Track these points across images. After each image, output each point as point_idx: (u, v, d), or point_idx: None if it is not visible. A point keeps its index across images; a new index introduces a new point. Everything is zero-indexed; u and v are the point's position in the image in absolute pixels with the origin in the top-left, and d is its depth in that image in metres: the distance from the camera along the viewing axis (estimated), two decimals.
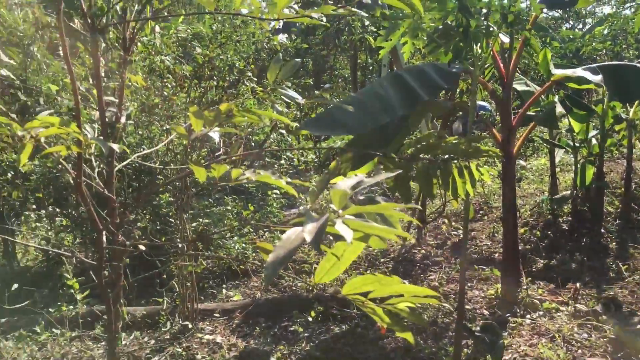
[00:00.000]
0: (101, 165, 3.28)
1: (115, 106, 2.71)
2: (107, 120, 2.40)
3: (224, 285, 5.42)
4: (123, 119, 2.49)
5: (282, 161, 10.37)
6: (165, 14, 3.51)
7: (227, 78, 4.03)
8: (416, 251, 6.21)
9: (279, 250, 1.42)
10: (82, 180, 2.02)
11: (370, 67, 14.44)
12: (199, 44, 5.16)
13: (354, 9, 1.90)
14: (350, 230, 1.34)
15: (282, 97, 2.98)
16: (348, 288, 1.66)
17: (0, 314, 4.92)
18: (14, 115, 2.13)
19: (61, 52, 7.70)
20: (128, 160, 2.53)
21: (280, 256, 1.40)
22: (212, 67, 3.98)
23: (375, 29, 9.93)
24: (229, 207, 5.52)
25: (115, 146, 1.80)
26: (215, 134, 2.16)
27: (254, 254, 6.04)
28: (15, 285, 4.72)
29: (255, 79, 4.17)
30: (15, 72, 6.00)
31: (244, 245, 6.10)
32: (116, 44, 4.10)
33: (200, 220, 5.34)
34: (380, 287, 1.60)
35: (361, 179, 1.81)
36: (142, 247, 2.21)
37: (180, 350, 3.99)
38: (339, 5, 1.94)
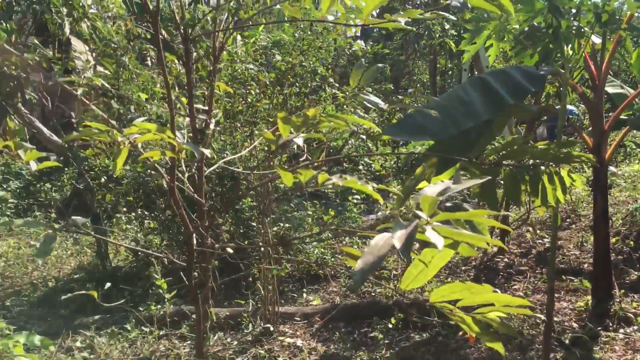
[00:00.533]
0: (192, 170, 3.40)
1: (203, 113, 2.81)
2: (196, 126, 2.49)
3: (304, 290, 5.47)
4: (212, 126, 2.58)
5: (360, 167, 10.38)
6: (250, 23, 3.61)
7: (310, 84, 4.09)
8: (499, 259, 6.02)
9: (367, 256, 1.42)
10: (175, 184, 2.11)
11: (450, 72, 14.23)
12: (279, 52, 5.27)
13: (442, 13, 1.88)
14: (441, 237, 1.32)
15: (364, 102, 2.98)
16: (436, 296, 1.63)
17: (94, 311, 5.21)
18: (113, 122, 2.25)
19: (149, 62, 8.01)
20: (216, 165, 2.61)
21: (369, 262, 1.40)
22: (294, 74, 4.06)
23: (455, 33, 9.76)
24: (310, 212, 5.57)
25: (207, 151, 1.86)
26: (299, 140, 2.20)
27: (332, 259, 6.07)
28: (109, 284, 4.98)
29: (337, 85, 4.21)
30: (109, 81, 6.34)
31: (322, 250, 6.14)
32: (202, 53, 4.25)
33: (281, 224, 5.43)
34: (470, 296, 1.56)
35: (447, 185, 1.78)
36: (230, 250, 2.27)
37: (262, 352, 4.07)
38: (427, 9, 1.92)
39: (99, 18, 5.91)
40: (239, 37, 9.22)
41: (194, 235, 2.27)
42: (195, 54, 2.99)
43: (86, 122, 5.92)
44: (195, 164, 2.51)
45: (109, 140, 1.92)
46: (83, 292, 3.00)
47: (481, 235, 1.49)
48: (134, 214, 6.49)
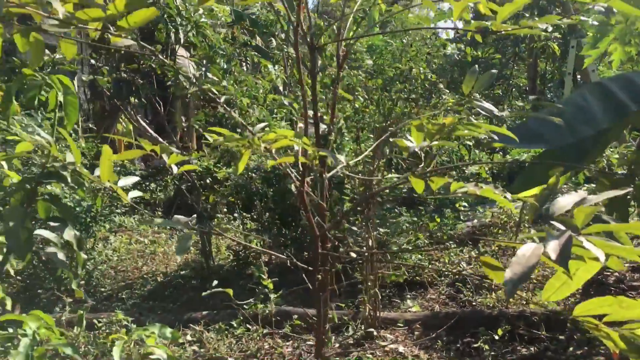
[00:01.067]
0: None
1: (317, 119, 2.88)
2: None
3: (408, 295, 5.43)
4: (333, 133, 2.64)
5: (453, 172, 10.19)
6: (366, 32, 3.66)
7: (419, 90, 4.08)
8: (608, 273, 5.73)
9: (515, 266, 1.41)
10: (304, 189, 2.18)
11: (548, 76, 13.65)
12: (370, 56, 5.28)
13: (583, 17, 1.83)
14: (600, 249, 1.29)
15: (477, 109, 2.93)
16: (580, 309, 1.59)
17: (200, 306, 5.44)
18: (251, 129, 2.33)
19: (244, 67, 8.17)
20: (335, 170, 2.66)
21: (518, 272, 1.39)
22: (404, 79, 4.06)
23: (559, 35, 9.38)
24: (414, 219, 5.56)
25: (342, 158, 1.91)
26: (415, 146, 2.21)
27: (429, 265, 6.00)
28: (216, 282, 5.18)
29: (447, 91, 4.18)
30: (215, 87, 6.60)
31: (420, 256, 6.09)
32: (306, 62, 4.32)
33: (380, 229, 5.44)
34: (620, 310, 1.51)
35: (583, 196, 1.73)
36: (353, 255, 2.31)
37: (370, 356, 4.10)
38: (566, 15, 1.88)
39: (208, 26, 6.17)
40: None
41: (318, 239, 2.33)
42: (320, 62, 3.06)
43: (195, 126, 6.15)
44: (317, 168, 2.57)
45: (247, 145, 2.01)
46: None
47: (634, 248, 1.43)
48: (235, 214, 6.71)
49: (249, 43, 6.79)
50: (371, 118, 4.12)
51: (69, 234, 2.36)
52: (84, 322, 3.53)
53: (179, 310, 5.43)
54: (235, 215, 7.00)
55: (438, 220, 5.96)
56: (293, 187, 3.15)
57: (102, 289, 6.07)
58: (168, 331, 2.53)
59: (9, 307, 2.71)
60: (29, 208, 2.30)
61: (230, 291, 2.59)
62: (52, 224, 2.36)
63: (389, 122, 4.13)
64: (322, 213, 2.48)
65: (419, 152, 2.38)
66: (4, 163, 2.72)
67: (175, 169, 2.23)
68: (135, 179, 2.49)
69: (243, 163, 2.38)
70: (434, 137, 1.92)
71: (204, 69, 6.09)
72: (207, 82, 6.46)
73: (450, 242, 6.13)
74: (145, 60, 6.18)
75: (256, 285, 5.07)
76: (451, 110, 3.83)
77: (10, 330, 2.67)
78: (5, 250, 2.42)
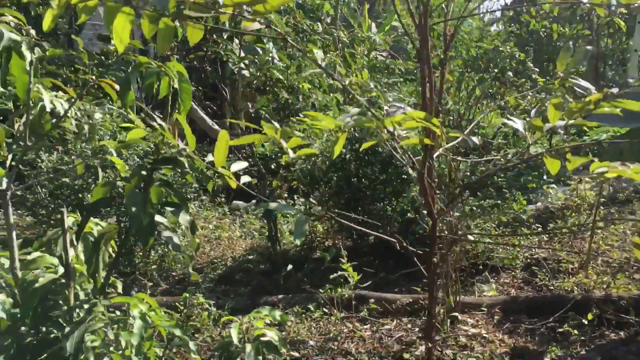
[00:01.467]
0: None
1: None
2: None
3: (492, 280, 5.36)
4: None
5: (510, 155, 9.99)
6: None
7: (508, 69, 3.97)
8: None
9: None
10: (425, 171, 2.15)
11: (608, 52, 13.15)
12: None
13: None
14: None
15: (574, 87, 2.85)
16: None
17: (270, 290, 5.51)
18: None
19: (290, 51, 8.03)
20: (443, 149, 2.62)
21: None
22: (488, 59, 3.96)
23: (624, 11, 9.01)
24: (499, 202, 5.48)
25: (475, 139, 1.88)
26: (520, 126, 2.15)
27: (499, 250, 5.90)
28: (290, 266, 5.22)
29: (537, 70, 4.06)
30: (283, 73, 6.60)
31: (488, 240, 5.99)
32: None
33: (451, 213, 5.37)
34: None
35: None
36: (470, 237, 2.28)
37: (453, 339, 4.07)
38: None
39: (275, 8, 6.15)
40: (373, 26, 9.19)
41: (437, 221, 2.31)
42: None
43: (262, 112, 6.12)
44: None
45: (374, 126, 1.99)
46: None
47: None
48: (302, 199, 6.73)
49: (311, 29, 6.75)
50: (452, 99, 4.05)
51: (184, 218, 2.39)
52: (188, 304, 3.60)
53: (252, 293, 5.51)
54: (300, 201, 7.03)
55: (524, 202, 5.83)
56: (410, 171, 3.11)
57: (174, 273, 6.20)
58: (277, 314, 2.55)
59: (119, 290, 2.78)
60: (147, 193, 2.34)
61: (355, 275, 2.58)
62: (168, 209, 2.40)
63: (470, 104, 4.05)
64: (433, 196, 2.45)
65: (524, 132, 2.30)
66: (112, 150, 2.78)
67: (291, 154, 2.24)
68: (245, 164, 2.51)
69: (339, 147, 2.36)
70: (574, 115, 1.85)
71: (271, 55, 6.08)
72: (274, 68, 6.43)
73: (533, 225, 6.02)
74: (211, 47, 6.23)
75: (326, 271, 5.09)
76: (542, 90, 3.74)
77: (118, 312, 2.74)
78: (123, 234, 2.48)
